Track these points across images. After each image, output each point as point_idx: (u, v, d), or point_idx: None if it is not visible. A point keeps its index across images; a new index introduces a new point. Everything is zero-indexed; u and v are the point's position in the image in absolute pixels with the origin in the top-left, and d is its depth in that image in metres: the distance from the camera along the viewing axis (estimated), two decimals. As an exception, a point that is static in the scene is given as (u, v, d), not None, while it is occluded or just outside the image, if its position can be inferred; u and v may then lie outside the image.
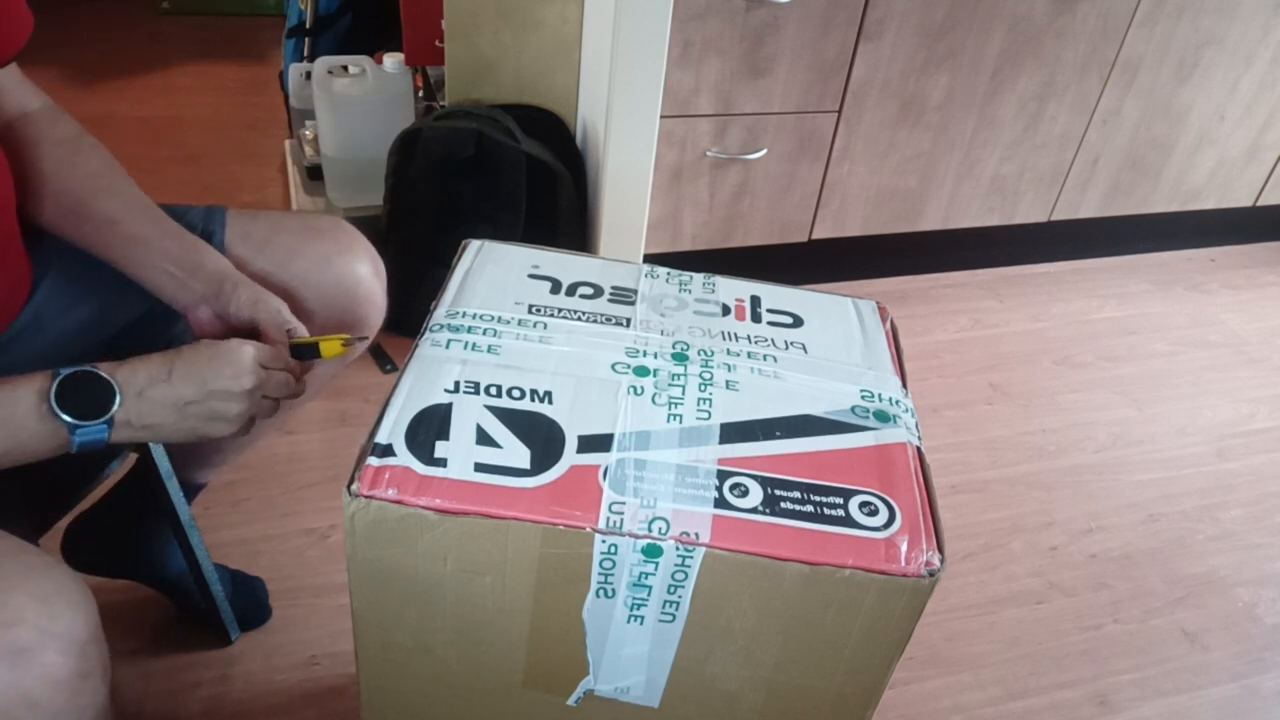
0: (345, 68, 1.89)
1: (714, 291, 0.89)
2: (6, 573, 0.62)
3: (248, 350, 0.76)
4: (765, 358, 0.80)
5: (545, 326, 0.81)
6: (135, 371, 0.72)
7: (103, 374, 0.70)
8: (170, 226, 0.86)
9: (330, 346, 0.86)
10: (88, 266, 0.87)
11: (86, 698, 0.65)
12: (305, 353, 0.85)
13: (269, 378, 0.78)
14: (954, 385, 1.82)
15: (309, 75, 1.95)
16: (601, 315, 0.83)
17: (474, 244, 0.91)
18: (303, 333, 0.86)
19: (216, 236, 0.92)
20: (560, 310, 0.83)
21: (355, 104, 1.84)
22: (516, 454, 0.69)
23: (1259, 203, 2.24)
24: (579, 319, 0.82)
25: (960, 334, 1.96)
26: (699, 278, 0.91)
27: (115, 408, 0.70)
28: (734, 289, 0.90)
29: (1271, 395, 1.87)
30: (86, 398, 0.70)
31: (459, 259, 0.88)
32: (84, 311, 0.89)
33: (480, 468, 0.67)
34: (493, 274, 0.87)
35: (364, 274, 0.97)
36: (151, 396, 0.72)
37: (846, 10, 1.64)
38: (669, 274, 0.90)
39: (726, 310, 0.86)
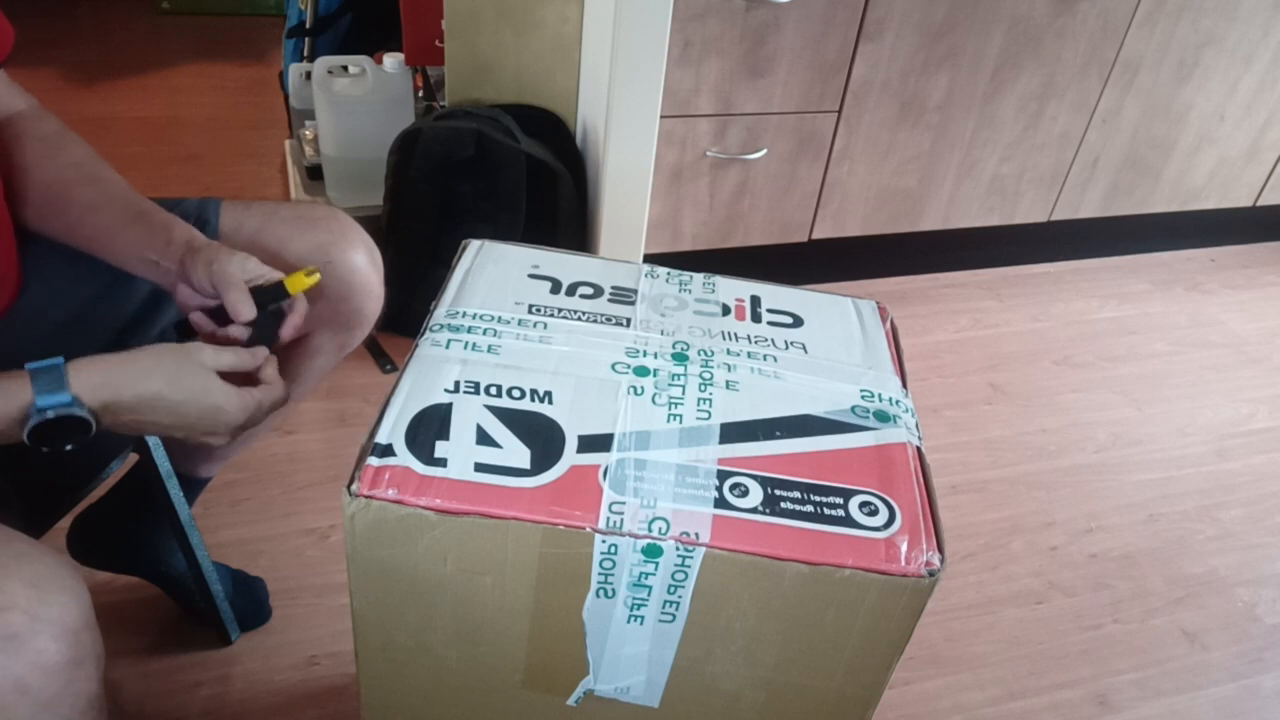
0: (345, 68, 1.89)
1: (714, 291, 0.89)
2: (1, 558, 0.62)
3: (220, 392, 0.75)
4: (765, 358, 0.80)
5: (545, 326, 0.81)
6: (120, 400, 0.71)
7: (83, 414, 0.69)
8: (143, 208, 0.84)
9: (296, 282, 0.82)
10: (82, 256, 0.86)
11: (80, 685, 0.64)
12: (272, 295, 0.82)
13: (244, 400, 0.77)
14: (954, 385, 1.82)
15: (309, 75, 1.95)
16: (601, 315, 0.83)
17: (474, 244, 0.91)
18: (274, 278, 0.83)
19: (210, 226, 0.92)
20: (560, 310, 0.83)
21: (355, 104, 1.84)
22: (516, 454, 0.69)
23: (1259, 203, 2.24)
24: (579, 319, 0.82)
25: (960, 334, 1.96)
26: (699, 278, 0.91)
27: (90, 435, 0.71)
28: (734, 289, 0.89)
29: (1271, 395, 1.87)
30: (62, 435, 0.70)
31: (459, 259, 0.88)
32: (80, 300, 0.89)
33: (480, 468, 0.67)
34: (493, 274, 0.87)
35: (360, 263, 0.96)
36: (127, 424, 0.73)
37: (846, 10, 1.64)
38: (669, 274, 0.90)
39: (726, 310, 0.86)
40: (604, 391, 0.75)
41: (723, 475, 0.69)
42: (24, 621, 0.60)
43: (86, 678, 0.65)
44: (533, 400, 0.73)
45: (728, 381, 0.77)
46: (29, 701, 0.60)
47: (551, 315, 0.82)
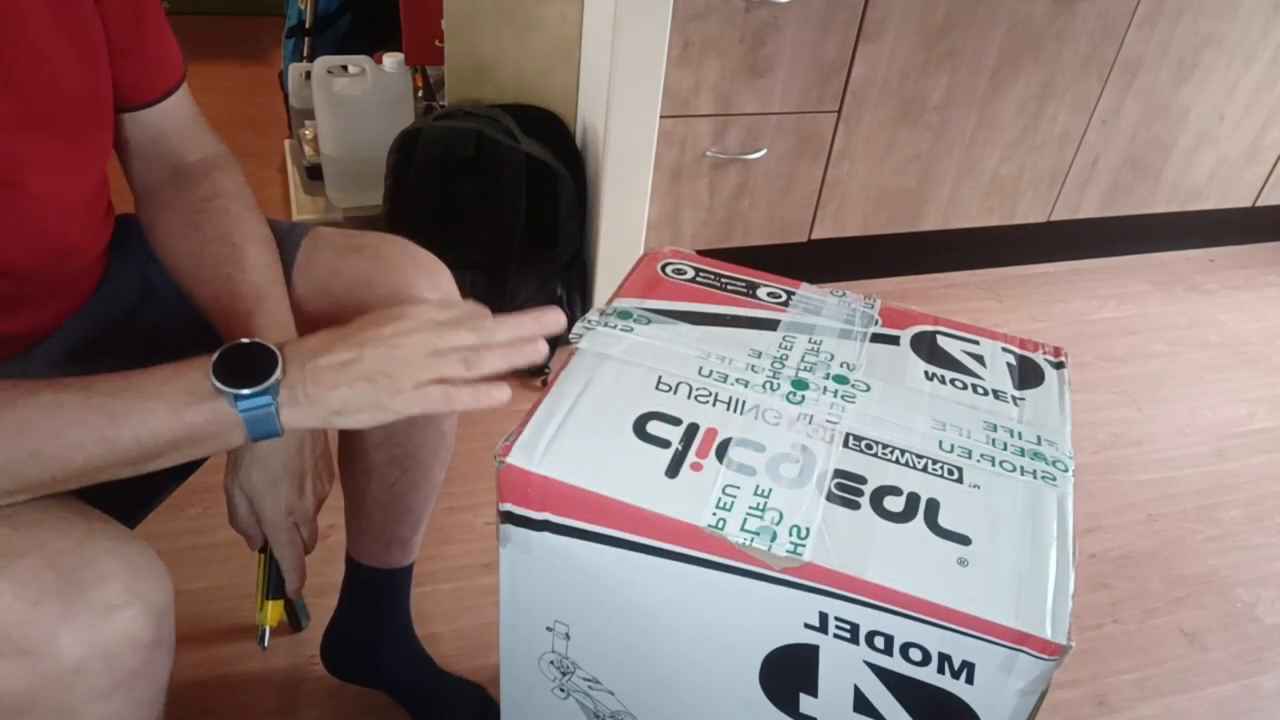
0: (345, 68, 1.89)
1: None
2: (98, 535, 0.62)
3: (418, 307, 0.69)
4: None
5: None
6: (302, 341, 0.67)
7: (265, 344, 0.66)
8: (236, 308, 0.79)
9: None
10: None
11: (155, 668, 0.64)
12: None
13: (444, 335, 0.69)
14: (954, 385, 1.82)
15: (309, 75, 1.95)
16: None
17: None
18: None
19: (288, 263, 0.87)
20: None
21: (355, 104, 1.85)
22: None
23: (1258, 203, 2.24)
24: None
25: (960, 334, 1.96)
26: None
27: (277, 373, 0.65)
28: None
29: (1271, 395, 1.87)
30: (245, 365, 0.65)
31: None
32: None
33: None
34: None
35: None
36: (316, 364, 0.66)
37: (846, 10, 1.64)
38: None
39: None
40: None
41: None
42: (121, 594, 0.60)
43: (160, 662, 0.65)
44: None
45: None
46: (113, 671, 0.60)
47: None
